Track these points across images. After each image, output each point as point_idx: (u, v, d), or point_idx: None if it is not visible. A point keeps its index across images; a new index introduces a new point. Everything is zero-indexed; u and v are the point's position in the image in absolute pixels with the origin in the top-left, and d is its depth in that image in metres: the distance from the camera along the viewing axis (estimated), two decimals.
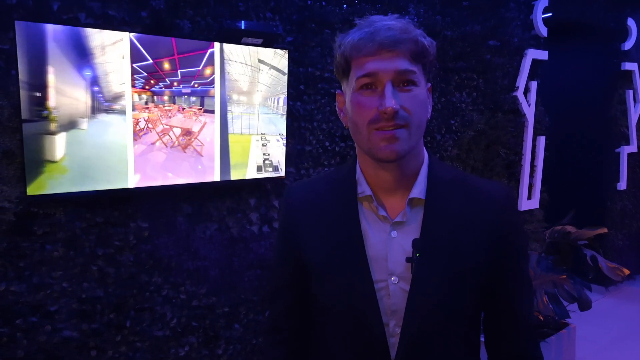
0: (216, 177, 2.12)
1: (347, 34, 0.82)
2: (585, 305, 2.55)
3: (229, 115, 2.13)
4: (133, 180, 1.90)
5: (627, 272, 2.77)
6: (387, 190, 0.88)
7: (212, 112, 2.08)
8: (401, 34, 0.78)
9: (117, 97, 1.82)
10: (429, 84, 0.86)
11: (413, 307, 0.82)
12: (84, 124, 1.77)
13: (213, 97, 2.07)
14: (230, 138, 2.17)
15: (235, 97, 2.13)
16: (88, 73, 1.75)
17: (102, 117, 1.80)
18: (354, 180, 0.90)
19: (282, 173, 2.31)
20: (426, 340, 0.83)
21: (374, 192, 0.88)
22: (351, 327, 0.87)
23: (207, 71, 2.03)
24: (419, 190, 0.86)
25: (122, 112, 1.84)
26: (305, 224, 0.92)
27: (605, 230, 2.93)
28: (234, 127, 2.17)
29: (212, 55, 2.02)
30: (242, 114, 2.19)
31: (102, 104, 1.80)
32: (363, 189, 0.88)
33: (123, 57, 1.82)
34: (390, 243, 0.85)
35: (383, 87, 0.79)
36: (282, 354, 0.99)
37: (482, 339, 0.95)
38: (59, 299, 1.84)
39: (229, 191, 2.23)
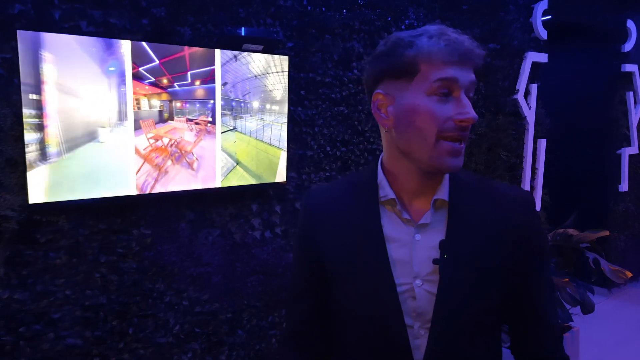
0: (218, 184, 2.13)
1: (417, 35, 0.81)
2: (588, 308, 2.55)
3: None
4: (135, 188, 1.90)
5: (629, 274, 2.77)
6: (412, 194, 0.88)
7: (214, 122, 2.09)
8: (476, 49, 0.80)
9: (120, 106, 1.83)
10: None
11: (441, 309, 0.83)
12: (88, 132, 1.77)
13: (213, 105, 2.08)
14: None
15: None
16: (91, 80, 1.76)
17: (105, 125, 1.81)
18: (375, 184, 0.90)
19: (276, 175, 2.30)
20: (453, 341, 0.84)
21: (398, 195, 0.88)
22: (373, 331, 0.87)
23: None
24: (443, 192, 0.87)
25: (124, 119, 1.85)
26: (325, 228, 0.92)
27: (607, 232, 2.93)
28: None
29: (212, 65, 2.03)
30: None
31: (104, 111, 1.80)
32: (386, 192, 0.88)
33: (125, 64, 1.83)
34: (415, 246, 0.86)
35: (458, 95, 0.79)
36: (304, 358, 0.99)
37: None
38: (62, 307, 1.84)
39: (231, 197, 2.23)
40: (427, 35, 0.80)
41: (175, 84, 1.96)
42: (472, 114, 0.78)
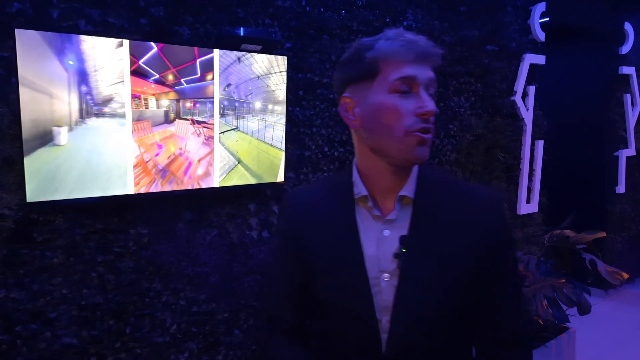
0: (215, 183, 2.13)
1: (376, 39, 0.86)
2: (584, 309, 2.56)
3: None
4: (133, 187, 1.90)
5: (626, 275, 2.78)
6: (383, 191, 0.91)
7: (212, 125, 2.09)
8: (433, 48, 0.85)
9: (119, 105, 1.83)
10: None
11: (401, 303, 0.86)
12: (83, 131, 1.77)
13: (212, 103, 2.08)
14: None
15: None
16: (89, 79, 1.76)
17: (103, 123, 1.81)
18: (350, 183, 0.94)
19: (277, 176, 2.31)
20: (415, 335, 0.86)
21: (370, 192, 0.92)
22: (347, 323, 0.90)
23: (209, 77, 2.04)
24: (409, 189, 0.90)
25: (122, 117, 1.85)
26: (306, 227, 0.96)
27: (604, 234, 2.94)
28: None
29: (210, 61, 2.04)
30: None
31: (101, 109, 1.80)
32: (359, 190, 0.92)
33: (122, 63, 1.83)
34: (382, 241, 0.89)
35: (417, 91, 0.84)
36: (286, 341, 1.01)
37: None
38: (59, 306, 1.84)
39: (228, 197, 2.23)
40: (384, 38, 0.86)
41: (182, 80, 1.96)
42: (431, 106, 0.83)
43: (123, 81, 1.83)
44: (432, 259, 0.86)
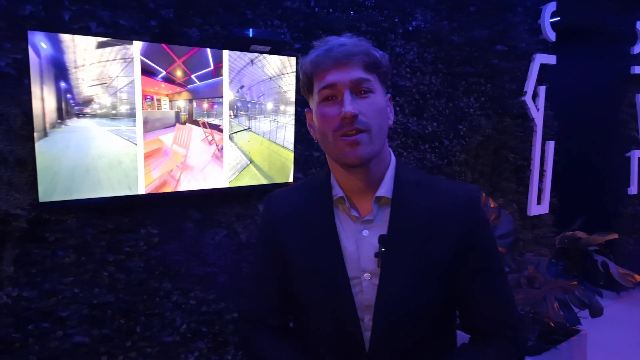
0: (225, 184, 2.14)
1: (307, 54, 0.90)
2: (596, 312, 2.53)
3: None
4: (143, 187, 1.92)
5: (638, 277, 2.74)
6: (357, 192, 0.93)
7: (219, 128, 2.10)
8: (353, 47, 0.86)
9: (130, 106, 1.85)
10: (389, 94, 0.93)
11: (382, 301, 0.88)
12: (93, 132, 1.79)
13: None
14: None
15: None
16: (100, 81, 1.78)
17: (113, 124, 1.82)
18: (329, 184, 0.96)
19: (289, 178, 2.32)
20: (396, 332, 0.88)
21: (346, 194, 0.93)
22: (329, 323, 0.92)
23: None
24: (385, 189, 0.92)
25: (132, 119, 1.86)
26: (285, 228, 0.98)
27: (616, 235, 2.90)
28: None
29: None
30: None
31: (111, 111, 1.82)
32: (336, 191, 0.94)
33: (133, 66, 1.84)
34: (361, 241, 0.91)
35: (342, 96, 0.85)
36: (270, 338, 1.00)
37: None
38: (70, 305, 1.86)
39: (237, 197, 2.24)
40: (312, 51, 0.89)
41: (192, 75, 1.97)
42: (348, 109, 0.83)
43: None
44: (411, 258, 0.88)
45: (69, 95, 1.73)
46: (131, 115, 1.86)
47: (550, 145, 3.54)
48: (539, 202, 3.51)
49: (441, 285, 0.89)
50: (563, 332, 2.70)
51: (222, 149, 2.10)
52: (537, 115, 3.42)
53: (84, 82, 1.75)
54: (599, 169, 4.35)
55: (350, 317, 0.89)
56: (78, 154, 1.76)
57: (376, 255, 0.89)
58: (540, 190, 3.53)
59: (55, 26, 1.74)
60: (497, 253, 0.95)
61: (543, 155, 3.52)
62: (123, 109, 1.84)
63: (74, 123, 1.75)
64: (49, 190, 1.71)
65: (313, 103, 0.92)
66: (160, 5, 1.96)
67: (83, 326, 1.89)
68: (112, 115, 1.82)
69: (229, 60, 2.07)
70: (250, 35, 2.11)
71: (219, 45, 2.11)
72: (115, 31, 1.87)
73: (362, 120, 0.84)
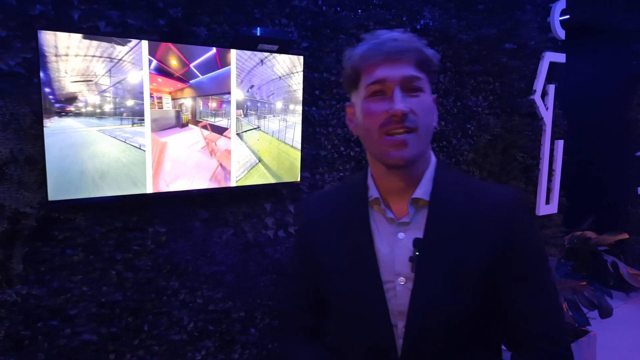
0: (232, 183, 2.14)
1: (355, 47, 0.87)
2: (605, 313, 2.51)
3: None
4: (151, 186, 1.92)
5: None
6: (395, 193, 0.90)
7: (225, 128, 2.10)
8: (406, 43, 0.83)
9: (136, 106, 1.85)
10: (434, 95, 0.89)
11: (416, 307, 0.84)
12: (102, 132, 1.80)
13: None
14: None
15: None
16: (108, 79, 1.79)
17: (122, 125, 1.83)
18: (365, 186, 0.93)
19: (297, 178, 2.32)
20: (430, 341, 0.84)
21: (383, 195, 0.91)
22: (360, 327, 0.89)
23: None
24: (422, 191, 0.88)
25: (141, 118, 1.87)
26: (320, 232, 0.96)
27: (626, 235, 2.87)
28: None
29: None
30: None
31: (119, 110, 1.83)
32: (372, 192, 0.92)
33: (142, 64, 1.85)
34: (397, 244, 0.88)
35: (392, 92, 0.82)
36: (301, 339, 1.02)
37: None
38: (79, 303, 1.87)
39: (244, 196, 2.24)
40: (361, 44, 0.86)
41: (194, 69, 1.97)
42: (398, 106, 0.80)
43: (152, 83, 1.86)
44: (447, 262, 0.84)
45: (77, 95, 1.74)
46: (139, 114, 1.86)
47: (560, 144, 3.51)
48: (547, 202, 3.49)
49: (479, 292, 0.84)
50: (572, 333, 2.68)
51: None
52: (546, 114, 3.40)
53: (91, 82, 1.76)
54: (609, 168, 4.31)
55: (382, 322, 0.86)
56: (86, 153, 1.77)
57: (410, 259, 0.85)
58: (549, 190, 3.50)
59: (64, 26, 1.75)
60: (542, 260, 0.88)
61: (552, 154, 3.49)
62: (131, 108, 1.84)
63: (81, 123, 1.75)
64: (58, 188, 1.72)
65: (357, 98, 0.88)
66: (169, 4, 1.97)
67: (91, 324, 1.90)
68: (119, 114, 1.83)
69: (239, 60, 2.07)
70: (258, 34, 2.11)
71: (226, 44, 2.11)
72: (123, 30, 1.88)
73: (411, 118, 0.82)
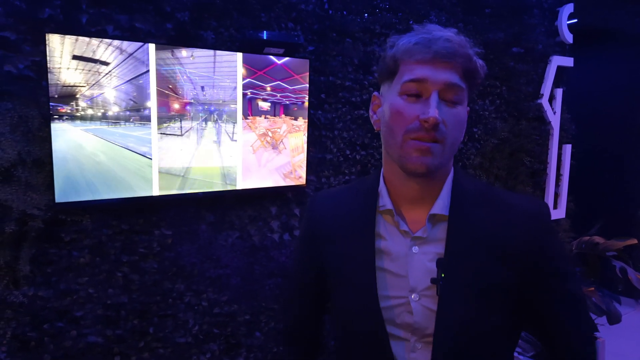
0: (239, 186, 2.14)
1: (402, 36, 0.80)
2: (614, 319, 2.48)
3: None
4: (158, 189, 1.93)
5: None
6: (410, 202, 0.84)
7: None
8: (458, 47, 0.76)
9: (144, 106, 1.87)
10: (468, 107, 0.83)
11: (442, 328, 0.79)
12: (108, 134, 1.81)
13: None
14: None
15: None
16: (116, 83, 1.80)
17: (128, 127, 1.84)
18: (376, 193, 0.88)
19: (302, 181, 2.32)
20: (458, 358, 0.80)
21: (396, 204, 0.85)
22: (360, 336, 0.86)
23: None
24: (441, 205, 0.83)
25: (148, 120, 1.88)
26: (326, 233, 0.92)
27: (635, 241, 2.85)
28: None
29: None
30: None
31: (128, 113, 1.84)
32: (384, 202, 0.86)
33: (145, 67, 1.86)
34: (411, 259, 0.82)
35: (429, 96, 0.76)
36: (297, 351, 1.03)
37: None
38: (85, 305, 1.88)
39: (250, 199, 2.25)
40: (409, 35, 0.78)
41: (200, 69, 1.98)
42: (433, 113, 0.73)
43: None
44: (471, 282, 0.79)
45: (84, 98, 1.75)
46: (145, 117, 1.88)
47: (567, 148, 3.49)
48: (555, 207, 3.46)
49: (505, 310, 0.80)
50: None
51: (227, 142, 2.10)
52: (554, 118, 3.38)
53: (99, 85, 1.77)
54: (617, 172, 4.28)
55: (378, 337, 0.82)
56: (93, 156, 1.78)
57: (433, 281, 0.79)
58: (557, 195, 3.48)
59: (73, 29, 1.77)
60: (573, 274, 0.84)
61: (560, 158, 3.47)
62: (137, 110, 1.86)
63: (87, 125, 1.77)
64: (65, 190, 1.73)
65: (389, 91, 0.81)
66: (176, 8, 1.98)
67: (97, 326, 1.90)
68: (126, 117, 1.84)
69: (248, 63, 2.08)
70: (265, 37, 2.12)
71: (233, 48, 2.12)
72: (131, 34, 1.89)
73: (442, 129, 0.75)
